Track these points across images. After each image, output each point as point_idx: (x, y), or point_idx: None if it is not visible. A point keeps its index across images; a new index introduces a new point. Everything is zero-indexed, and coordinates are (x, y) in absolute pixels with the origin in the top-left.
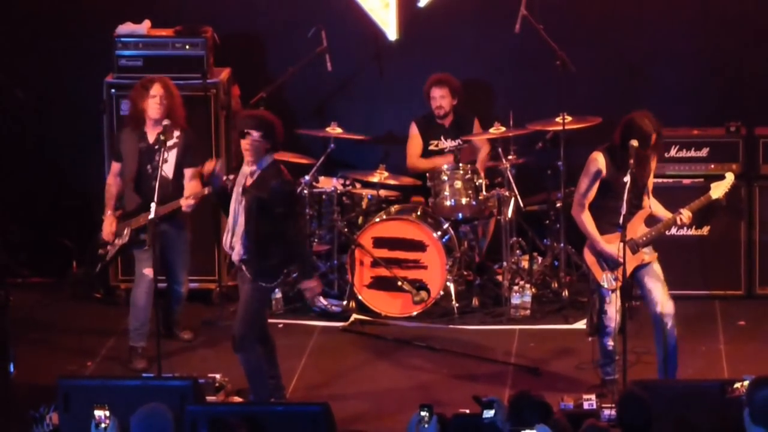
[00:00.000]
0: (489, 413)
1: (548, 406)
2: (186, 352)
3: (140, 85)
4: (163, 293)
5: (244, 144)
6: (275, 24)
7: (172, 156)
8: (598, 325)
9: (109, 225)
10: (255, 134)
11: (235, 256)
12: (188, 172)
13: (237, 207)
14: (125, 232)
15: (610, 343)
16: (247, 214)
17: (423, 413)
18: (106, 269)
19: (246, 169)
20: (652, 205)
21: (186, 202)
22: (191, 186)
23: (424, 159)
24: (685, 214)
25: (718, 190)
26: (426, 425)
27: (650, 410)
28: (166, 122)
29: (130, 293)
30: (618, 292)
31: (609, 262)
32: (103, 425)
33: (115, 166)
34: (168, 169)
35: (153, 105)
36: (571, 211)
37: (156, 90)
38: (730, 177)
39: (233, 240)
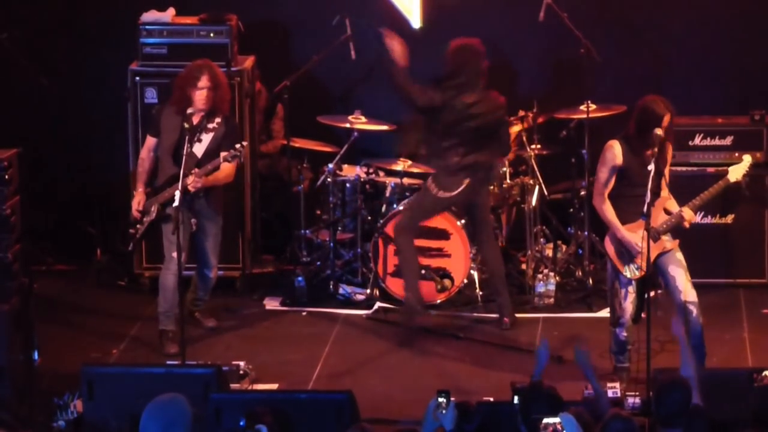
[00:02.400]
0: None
1: (558, 399)
2: (210, 340)
3: (189, 72)
4: (190, 280)
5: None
6: (299, 12)
7: (207, 138)
8: (612, 318)
9: (137, 202)
10: None
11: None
12: (224, 155)
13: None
14: (153, 208)
15: (624, 333)
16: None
17: (441, 399)
18: (137, 248)
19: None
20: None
21: (190, 180)
22: (222, 169)
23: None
24: (687, 213)
25: (735, 173)
26: (443, 411)
27: (690, 397)
28: (190, 110)
29: (158, 278)
30: (635, 284)
31: (630, 251)
32: None
33: (151, 141)
34: (198, 150)
35: (200, 97)
36: (592, 201)
37: (204, 82)
38: (747, 159)
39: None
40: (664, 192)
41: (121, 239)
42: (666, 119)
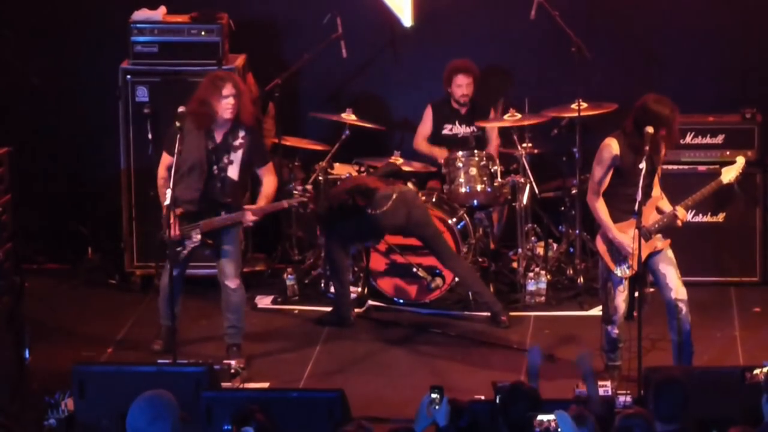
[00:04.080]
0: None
1: (538, 398)
2: (202, 339)
3: (211, 82)
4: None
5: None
6: (290, 10)
7: (237, 157)
8: (604, 315)
9: (175, 224)
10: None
11: None
12: (261, 172)
13: None
14: (193, 234)
15: (615, 331)
16: None
17: (434, 395)
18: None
19: None
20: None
21: (249, 218)
22: (264, 192)
23: (427, 144)
24: (680, 213)
25: (728, 174)
26: (437, 406)
27: (687, 396)
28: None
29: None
30: (626, 282)
31: (622, 251)
32: None
33: (168, 159)
34: (233, 172)
35: (226, 106)
36: (586, 198)
37: (229, 90)
38: (741, 161)
39: None
40: (657, 191)
41: (170, 255)
42: (669, 120)
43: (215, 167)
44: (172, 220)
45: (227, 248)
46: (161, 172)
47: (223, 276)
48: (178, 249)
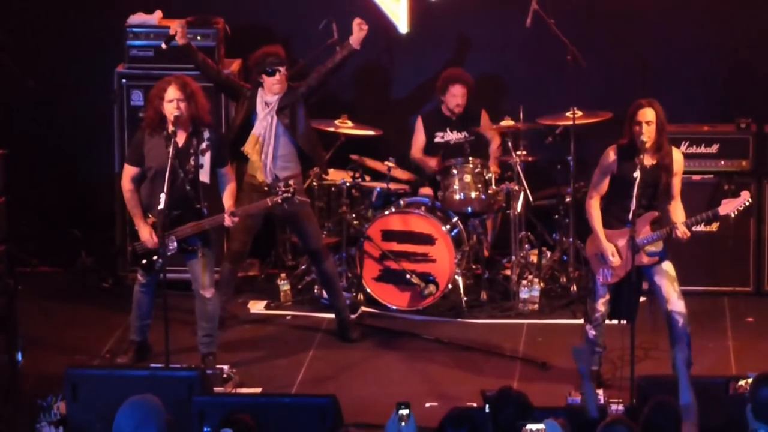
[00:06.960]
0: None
1: (528, 405)
2: (194, 343)
3: (156, 86)
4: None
5: (276, 79)
6: (287, 16)
7: (206, 160)
8: (585, 314)
9: (149, 234)
10: (283, 69)
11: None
12: (222, 172)
13: (270, 132)
14: (169, 242)
15: (592, 332)
16: (292, 129)
17: (402, 412)
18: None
19: (269, 99)
20: (673, 209)
21: (230, 220)
22: (230, 191)
23: (422, 154)
24: (681, 229)
25: (727, 207)
26: (404, 424)
27: (679, 421)
28: (171, 128)
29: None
30: (614, 287)
31: (603, 258)
32: None
33: (132, 170)
34: (204, 175)
35: (170, 108)
36: (585, 202)
37: (171, 94)
38: (744, 196)
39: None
40: (676, 204)
41: (144, 266)
42: (641, 114)
43: (180, 171)
44: (159, 228)
45: (204, 255)
46: (125, 184)
47: (198, 285)
48: (155, 258)
